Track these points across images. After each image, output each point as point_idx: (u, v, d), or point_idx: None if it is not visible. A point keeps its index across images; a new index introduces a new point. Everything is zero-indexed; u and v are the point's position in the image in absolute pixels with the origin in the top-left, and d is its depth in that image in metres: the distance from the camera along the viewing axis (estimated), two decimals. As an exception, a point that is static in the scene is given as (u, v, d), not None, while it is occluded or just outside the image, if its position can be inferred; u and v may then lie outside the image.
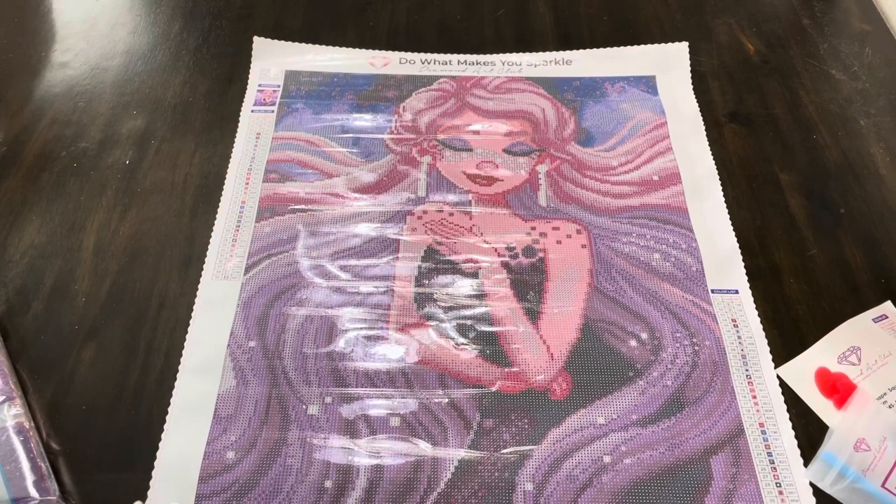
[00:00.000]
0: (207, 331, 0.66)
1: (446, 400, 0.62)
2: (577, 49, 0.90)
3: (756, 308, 0.67)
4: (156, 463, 0.59)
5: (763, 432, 0.60)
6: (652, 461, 0.58)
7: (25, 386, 0.63)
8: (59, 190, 0.77)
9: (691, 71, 0.88)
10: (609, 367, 0.64)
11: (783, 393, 0.62)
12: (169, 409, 0.61)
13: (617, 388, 0.62)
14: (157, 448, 0.59)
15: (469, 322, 0.67)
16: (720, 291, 0.68)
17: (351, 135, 0.81)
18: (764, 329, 0.66)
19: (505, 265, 0.70)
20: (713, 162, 0.79)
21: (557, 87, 0.86)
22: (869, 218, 0.75)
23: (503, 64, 0.89)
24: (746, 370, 0.63)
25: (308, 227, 0.73)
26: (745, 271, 0.70)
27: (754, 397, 0.62)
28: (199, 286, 0.69)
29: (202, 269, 0.70)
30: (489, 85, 0.87)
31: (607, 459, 0.59)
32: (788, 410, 0.61)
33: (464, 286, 0.69)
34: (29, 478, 0.57)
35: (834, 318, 0.67)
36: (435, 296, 0.68)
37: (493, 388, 0.63)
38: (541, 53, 0.90)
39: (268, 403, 0.62)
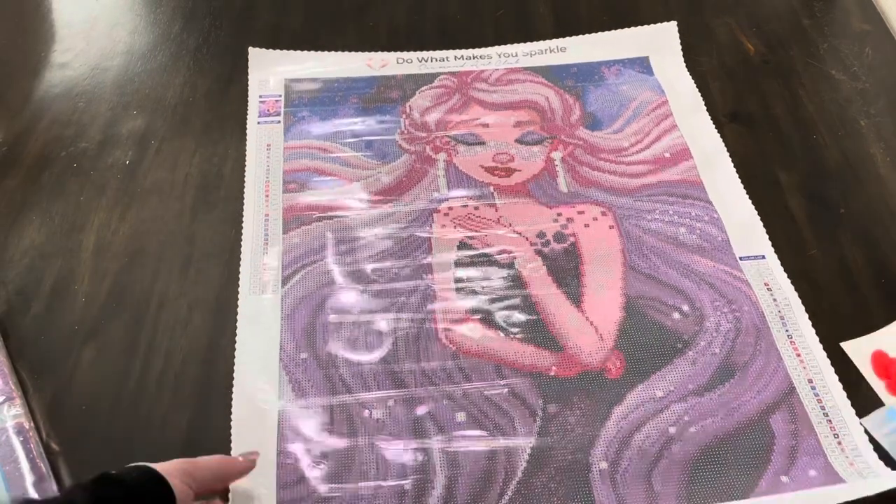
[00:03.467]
0: (256, 348, 0.65)
1: (507, 390, 0.63)
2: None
3: (784, 270, 0.69)
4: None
5: (813, 388, 0.62)
6: (715, 427, 0.60)
7: (25, 386, 0.63)
8: (59, 190, 0.77)
9: (692, 71, 0.88)
10: (658, 342, 0.65)
11: (840, 363, 0.64)
12: (232, 428, 0.60)
13: (669, 361, 0.64)
14: (157, 448, 0.59)
15: (514, 311, 0.68)
16: (748, 258, 0.70)
17: (362, 138, 0.81)
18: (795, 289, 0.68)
19: (539, 253, 0.71)
20: (718, 134, 0.80)
21: (556, 75, 0.87)
22: (869, 218, 0.75)
23: (499, 56, 0.89)
24: (787, 330, 0.65)
25: (336, 234, 0.73)
26: (767, 236, 0.71)
27: (798, 355, 0.64)
28: (238, 304, 0.68)
29: (237, 285, 0.69)
30: (490, 78, 0.87)
31: (673, 430, 0.60)
32: (841, 379, 0.63)
33: (502, 277, 0.70)
34: (28, 478, 0.57)
35: (834, 317, 0.67)
36: (475, 289, 0.69)
37: (550, 374, 0.64)
38: (535, 42, 0.91)
39: (331, 412, 0.62)
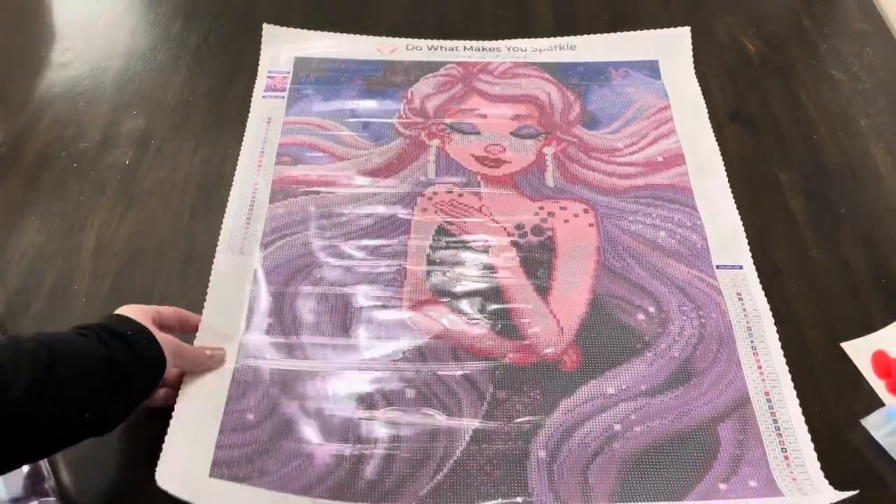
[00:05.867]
0: (225, 304, 0.67)
1: (460, 372, 0.63)
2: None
3: (760, 282, 0.68)
4: (174, 413, 0.59)
5: (769, 400, 0.61)
6: (661, 429, 0.60)
7: (25, 386, 0.63)
8: (59, 190, 0.77)
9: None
10: (618, 340, 0.65)
11: (840, 363, 0.64)
12: (185, 375, 0.61)
13: (626, 360, 0.64)
14: (157, 447, 0.59)
15: (480, 298, 0.68)
16: (725, 267, 0.70)
17: (361, 119, 0.82)
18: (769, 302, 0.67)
19: (514, 244, 0.72)
20: (716, 143, 0.80)
21: (562, 72, 0.87)
22: (869, 218, 0.75)
23: (508, 49, 0.90)
24: (752, 341, 0.65)
25: (320, 209, 0.74)
26: (749, 248, 0.71)
27: (760, 367, 0.63)
28: (214, 261, 0.69)
29: (214, 251, 0.71)
30: (495, 70, 0.88)
31: (617, 427, 0.60)
32: (842, 379, 0.63)
33: (474, 264, 0.70)
34: (28, 478, 0.57)
35: (834, 317, 0.67)
36: (446, 273, 0.69)
37: (505, 361, 0.64)
38: (545, 39, 0.91)
39: (285, 375, 0.63)
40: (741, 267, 0.70)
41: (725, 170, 0.78)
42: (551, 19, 0.95)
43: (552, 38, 0.91)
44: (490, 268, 0.70)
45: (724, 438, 0.59)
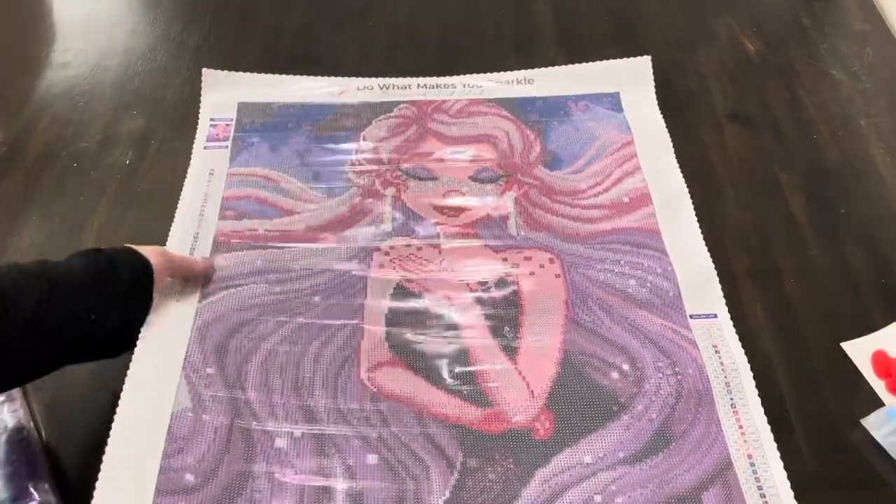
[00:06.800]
0: (160, 349, 0.62)
1: (425, 437, 0.59)
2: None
3: (736, 333, 0.65)
4: (102, 468, 0.56)
5: (752, 464, 0.58)
6: (644, 500, 0.56)
7: (25, 386, 0.63)
8: (60, 190, 0.77)
9: (692, 71, 0.88)
10: (592, 402, 0.61)
11: (840, 363, 0.64)
12: (115, 420, 0.58)
13: (601, 425, 0.60)
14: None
15: (445, 360, 0.64)
16: (699, 317, 0.66)
17: (310, 168, 0.77)
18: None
19: (478, 300, 0.67)
20: (682, 178, 0.77)
21: (521, 108, 0.83)
22: (869, 218, 0.75)
23: (464, 86, 0.85)
24: (731, 398, 0.61)
25: (268, 264, 0.69)
26: (722, 294, 0.68)
27: (741, 427, 0.60)
28: (153, 303, 0.63)
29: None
30: (451, 109, 0.83)
31: (598, 499, 0.56)
32: (842, 380, 0.63)
33: (437, 324, 0.66)
34: (28, 478, 0.57)
35: (834, 318, 0.67)
36: (406, 335, 0.65)
37: (474, 429, 0.60)
38: (502, 73, 0.87)
39: (229, 433, 0.59)
40: (716, 316, 0.66)
41: (725, 171, 0.78)
42: (551, 18, 0.95)
43: (508, 73, 0.87)
44: (454, 327, 0.66)
45: None
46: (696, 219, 0.73)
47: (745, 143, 0.81)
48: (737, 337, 0.65)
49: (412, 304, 0.67)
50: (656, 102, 0.84)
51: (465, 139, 0.80)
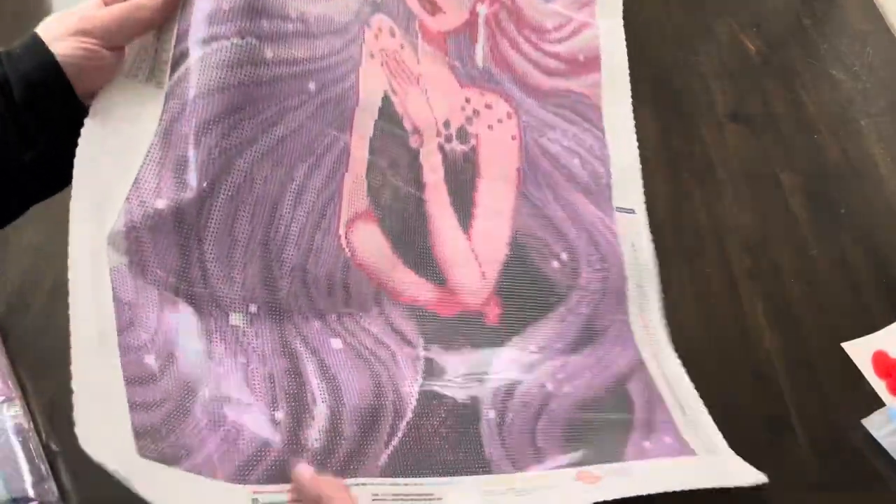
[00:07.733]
0: (103, 170, 0.49)
1: (383, 320, 0.57)
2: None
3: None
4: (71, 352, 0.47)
5: (658, 364, 0.61)
6: (585, 388, 0.58)
7: (25, 386, 0.63)
8: (59, 190, 0.77)
9: (692, 71, 0.88)
10: (535, 292, 0.62)
11: (840, 363, 0.64)
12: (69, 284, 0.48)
13: (542, 315, 0.61)
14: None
15: (408, 222, 0.60)
16: (622, 210, 0.67)
17: None
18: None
19: (441, 148, 0.63)
20: (626, 52, 0.74)
21: None
22: (869, 218, 0.75)
23: None
24: (640, 301, 0.64)
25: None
26: (643, 190, 0.68)
27: (646, 327, 0.63)
28: (104, 90, 0.47)
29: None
30: None
31: (550, 387, 0.58)
32: (842, 380, 0.63)
33: (407, 166, 0.61)
34: (28, 479, 0.57)
35: (834, 318, 0.67)
36: (384, 174, 0.59)
37: (429, 310, 0.59)
38: None
39: (175, 297, 0.47)
40: (634, 212, 0.67)
41: (725, 171, 0.78)
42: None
43: None
44: (418, 180, 0.61)
45: (635, 398, 0.59)
46: (632, 106, 0.72)
47: (745, 143, 0.81)
48: (651, 237, 0.66)
49: (394, 130, 0.61)
50: None
51: None
